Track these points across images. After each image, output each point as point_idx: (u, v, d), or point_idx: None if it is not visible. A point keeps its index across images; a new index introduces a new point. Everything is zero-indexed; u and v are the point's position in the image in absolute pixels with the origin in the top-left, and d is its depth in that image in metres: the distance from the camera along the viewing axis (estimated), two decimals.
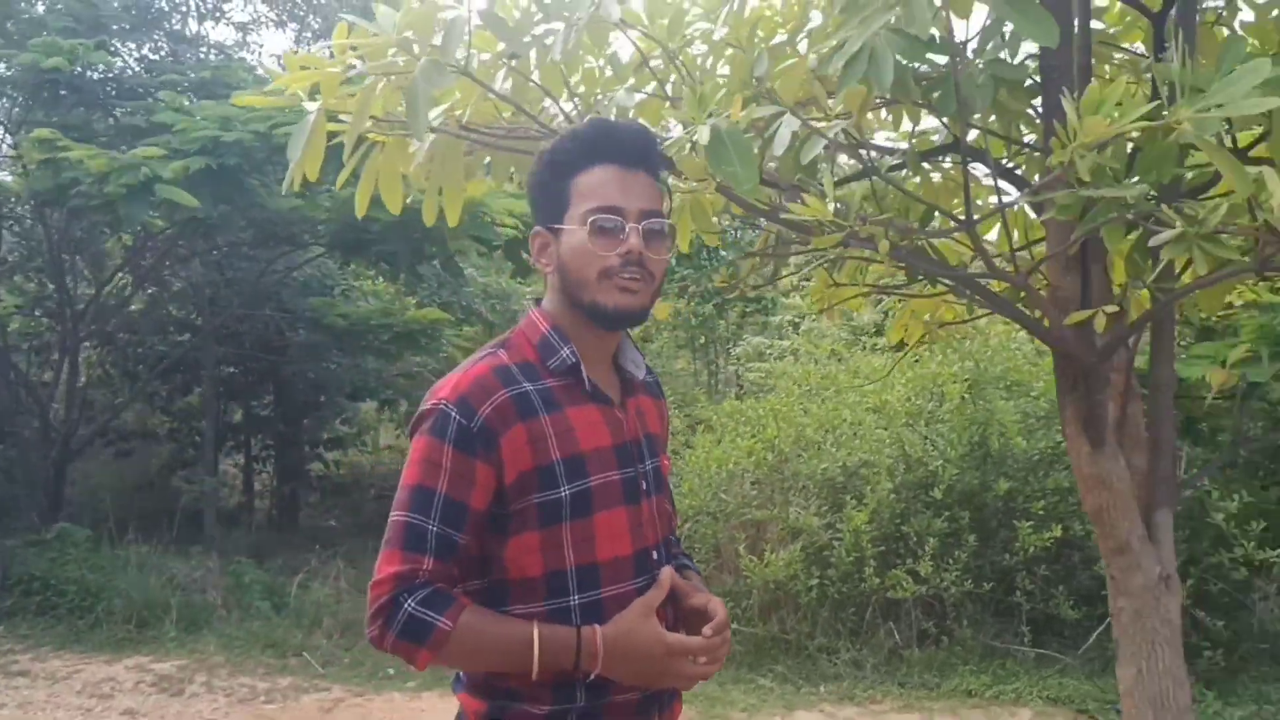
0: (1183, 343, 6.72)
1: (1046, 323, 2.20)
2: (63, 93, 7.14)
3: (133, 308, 8.90)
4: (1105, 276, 2.27)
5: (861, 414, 6.93)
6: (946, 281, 2.39)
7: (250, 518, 9.57)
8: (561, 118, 2.23)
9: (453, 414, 1.61)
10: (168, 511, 8.64)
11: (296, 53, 2.24)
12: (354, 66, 1.94)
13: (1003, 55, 2.30)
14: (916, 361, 6.99)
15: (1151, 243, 1.60)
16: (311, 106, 2.13)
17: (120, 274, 8.60)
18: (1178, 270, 2.21)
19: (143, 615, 6.88)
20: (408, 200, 2.56)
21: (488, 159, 2.57)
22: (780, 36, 2.38)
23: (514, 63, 2.07)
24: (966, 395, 6.71)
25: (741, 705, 5.72)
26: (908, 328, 3.39)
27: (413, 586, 1.59)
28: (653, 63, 2.37)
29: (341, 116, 2.08)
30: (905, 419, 6.80)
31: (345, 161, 2.12)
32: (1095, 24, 2.67)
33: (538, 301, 1.80)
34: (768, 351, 9.50)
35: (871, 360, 7.65)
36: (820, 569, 6.31)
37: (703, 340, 13.22)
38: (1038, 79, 2.22)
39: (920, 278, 2.65)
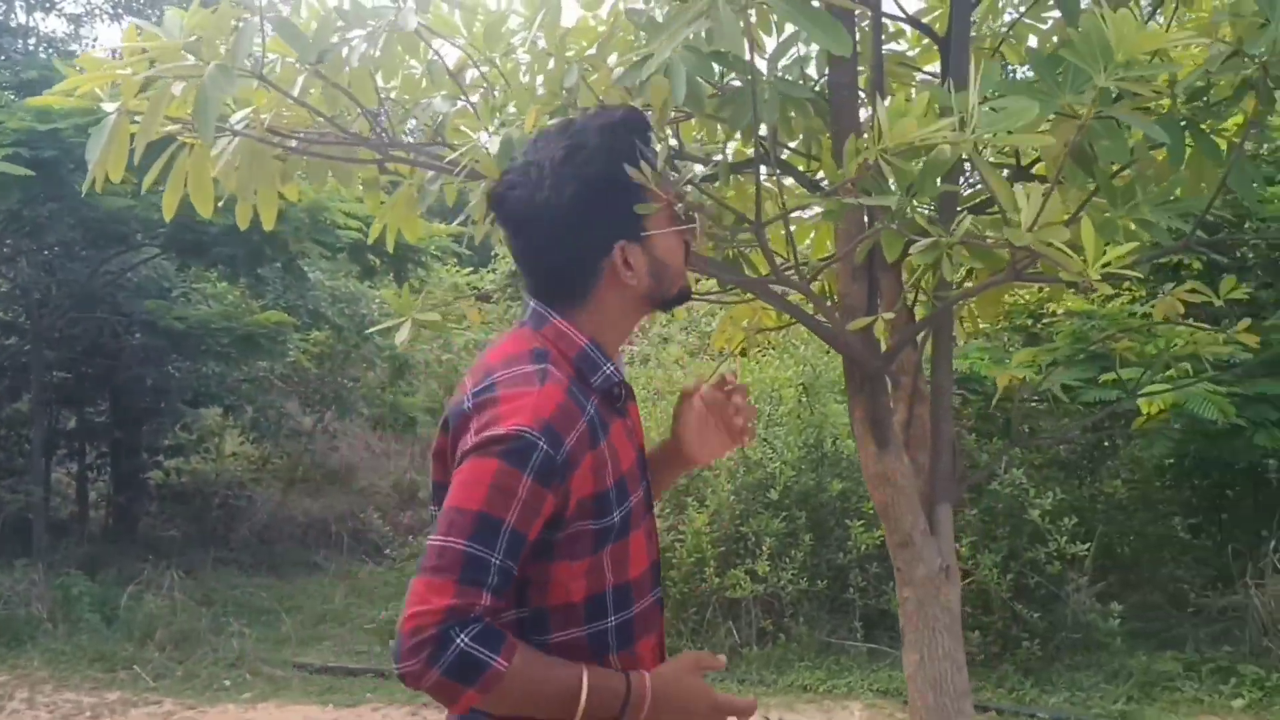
0: (1010, 348, 7.09)
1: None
2: None
3: None
4: (897, 284, 2.40)
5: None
6: (743, 288, 2.49)
7: (84, 528, 9.20)
8: (364, 124, 2.24)
9: (540, 444, 1.47)
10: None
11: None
12: (151, 67, 1.93)
13: (808, 71, 2.42)
14: (756, 366, 7.18)
15: (912, 250, 1.71)
16: (110, 107, 2.11)
17: None
18: (958, 281, 2.35)
19: None
20: (219, 203, 2.54)
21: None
22: (592, 50, 2.45)
23: (319, 68, 2.08)
24: (803, 399, 6.92)
25: None
26: (729, 334, 3.49)
27: (466, 621, 1.42)
28: (477, 71, 2.40)
29: (137, 118, 2.07)
30: None
31: (139, 164, 2.09)
32: (897, 46, 2.82)
33: (562, 310, 1.64)
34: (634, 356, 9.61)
35: (713, 367, 7.80)
36: (663, 570, 6.40)
37: None
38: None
39: (729, 286, 2.74)
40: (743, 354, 3.82)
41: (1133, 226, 1.86)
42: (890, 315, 2.15)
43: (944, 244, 1.64)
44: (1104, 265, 1.50)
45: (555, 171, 1.58)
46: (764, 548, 6.28)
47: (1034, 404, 6.51)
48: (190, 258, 7.37)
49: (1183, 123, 1.99)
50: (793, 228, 2.35)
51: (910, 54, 2.88)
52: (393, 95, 2.49)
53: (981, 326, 7.53)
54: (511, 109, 1.86)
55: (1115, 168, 1.93)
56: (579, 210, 1.58)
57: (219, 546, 9.20)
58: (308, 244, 6.86)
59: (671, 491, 6.79)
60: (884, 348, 2.32)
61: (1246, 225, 8.22)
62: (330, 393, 10.26)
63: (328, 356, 10.23)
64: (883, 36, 2.49)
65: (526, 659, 1.47)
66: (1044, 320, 6.86)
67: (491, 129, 1.84)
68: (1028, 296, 7.11)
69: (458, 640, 1.40)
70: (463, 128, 2.40)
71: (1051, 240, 1.56)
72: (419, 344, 11.29)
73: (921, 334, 2.42)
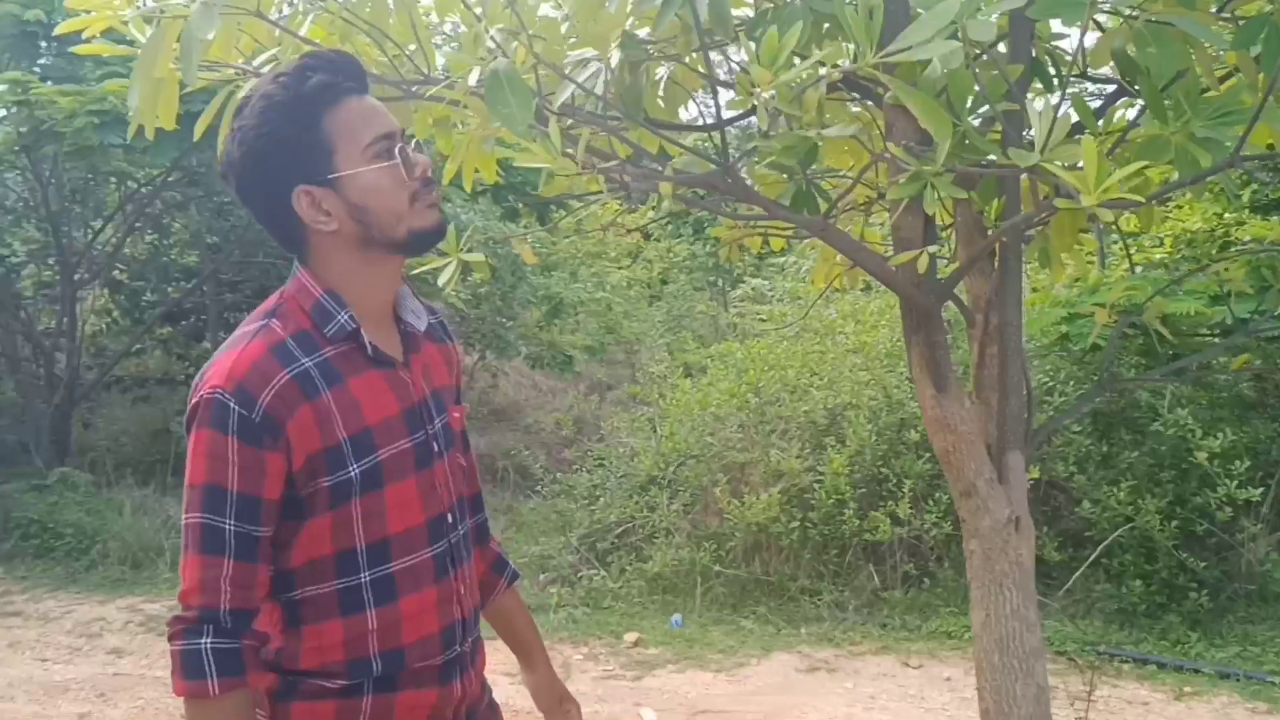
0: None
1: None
2: (42, 44, 7.20)
3: (134, 254, 9.01)
4: (969, 218, 2.21)
5: (843, 355, 6.87)
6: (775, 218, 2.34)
7: None
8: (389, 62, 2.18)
9: (231, 404, 1.49)
10: (177, 455, 8.83)
11: None
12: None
13: None
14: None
15: (889, 181, 1.54)
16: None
17: (116, 220, 8.70)
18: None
19: (137, 557, 7.03)
20: None
21: None
22: None
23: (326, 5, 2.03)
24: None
25: (720, 646, 5.76)
26: (824, 270, 3.34)
27: (219, 622, 1.50)
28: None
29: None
30: (885, 361, 6.73)
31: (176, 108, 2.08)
32: None
33: (303, 260, 1.63)
34: (768, 293, 9.43)
35: (860, 301, 7.55)
36: (802, 511, 6.30)
37: (718, 282, 13.19)
38: None
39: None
40: (839, 290, 3.66)
41: (1188, 146, 1.63)
42: (934, 249, 1.96)
43: (928, 174, 1.46)
44: (1105, 190, 1.30)
45: (234, 131, 1.59)
46: (905, 490, 6.07)
47: (1204, 337, 6.04)
48: None
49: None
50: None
51: None
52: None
53: (1156, 256, 7.02)
54: (492, 39, 1.75)
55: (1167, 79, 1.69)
56: (251, 161, 1.57)
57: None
58: (445, 188, 6.92)
59: (810, 431, 6.64)
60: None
61: None
62: (489, 332, 10.43)
63: (485, 297, 10.40)
64: None
65: (241, 708, 1.51)
66: (1231, 247, 6.31)
67: (474, 62, 1.75)
68: (1201, 223, 6.57)
69: (204, 639, 1.49)
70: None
71: (1058, 161, 1.36)
72: (574, 284, 11.39)
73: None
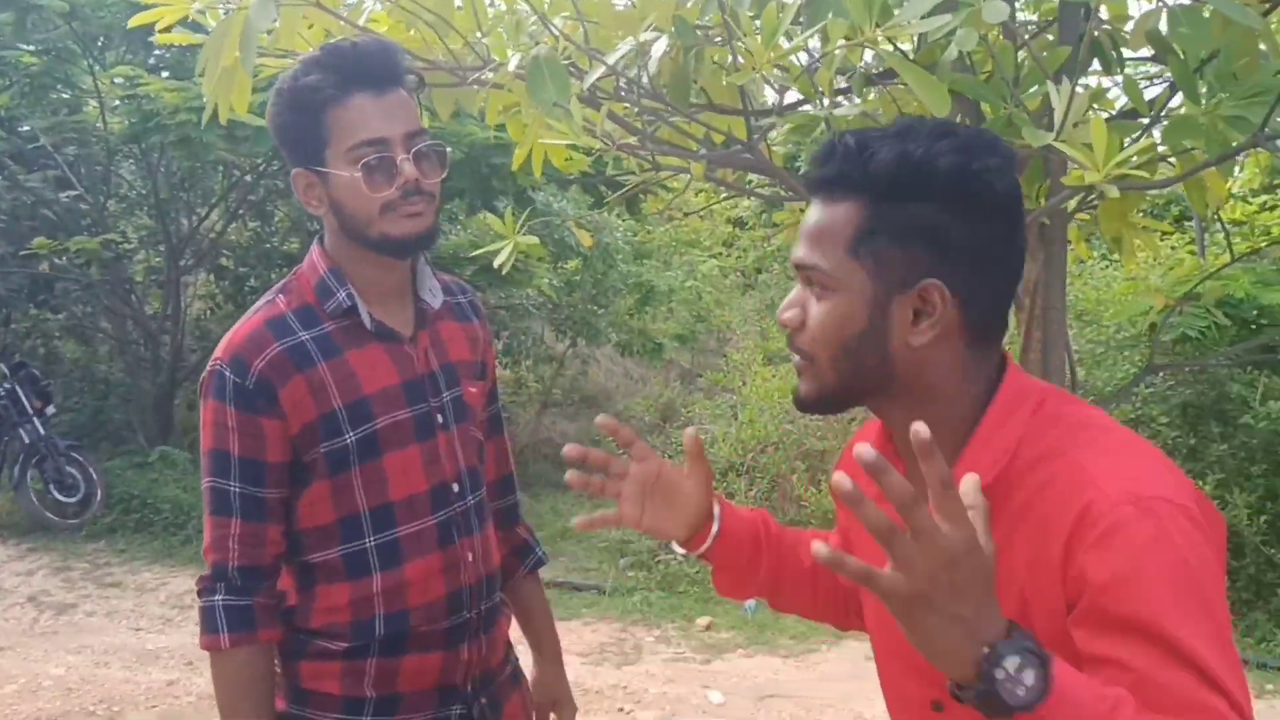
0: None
1: None
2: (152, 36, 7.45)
3: (239, 240, 9.32)
4: None
5: None
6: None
7: None
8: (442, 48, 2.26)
9: (227, 373, 1.61)
10: None
11: None
12: None
13: None
14: None
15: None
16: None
17: (220, 207, 9.01)
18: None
19: None
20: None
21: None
22: None
23: None
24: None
25: (792, 633, 5.78)
26: None
27: (230, 578, 1.64)
28: None
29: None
30: None
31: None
32: None
33: (320, 239, 1.74)
34: None
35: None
36: None
37: None
38: None
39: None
40: None
41: (1219, 126, 1.63)
42: None
43: None
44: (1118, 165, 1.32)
45: None
46: None
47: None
48: None
49: None
50: None
51: None
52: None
53: (1252, 244, 6.81)
54: (532, 25, 1.82)
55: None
56: (276, 143, 1.70)
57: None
58: (534, 177, 7.03)
59: None
60: None
61: None
62: (580, 319, 10.56)
63: (577, 284, 10.52)
64: None
65: (244, 667, 1.64)
66: None
67: (519, 46, 1.82)
68: None
69: (217, 594, 1.64)
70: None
71: (1069, 140, 1.38)
72: (666, 273, 11.45)
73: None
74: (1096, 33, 2.16)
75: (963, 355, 1.14)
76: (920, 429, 0.89)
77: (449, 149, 1.72)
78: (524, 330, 10.47)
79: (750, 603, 6.20)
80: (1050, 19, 2.22)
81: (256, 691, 1.66)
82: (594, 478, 1.38)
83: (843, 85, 2.50)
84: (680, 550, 1.43)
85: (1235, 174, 8.37)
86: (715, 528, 1.41)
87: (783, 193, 2.48)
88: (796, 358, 1.20)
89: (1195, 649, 0.97)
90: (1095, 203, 2.30)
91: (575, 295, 10.74)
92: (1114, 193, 1.35)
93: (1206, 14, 1.68)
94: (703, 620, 5.95)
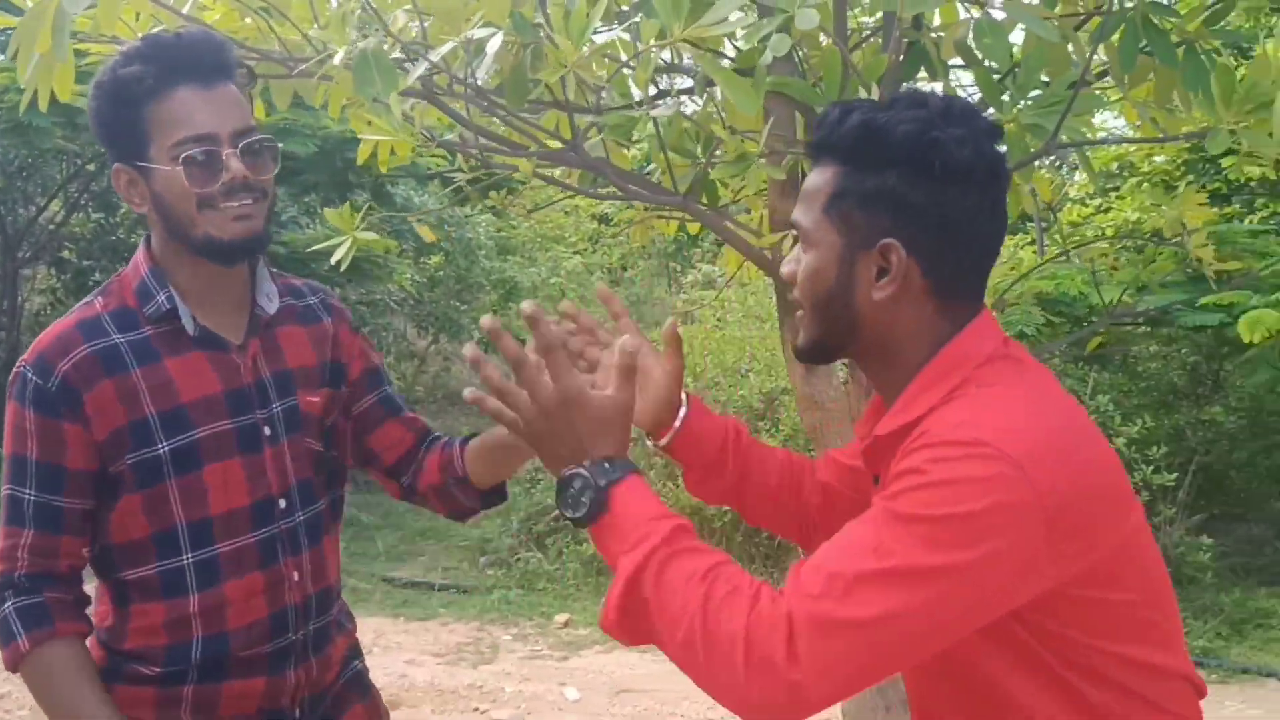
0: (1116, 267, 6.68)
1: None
2: None
3: (82, 232, 8.94)
4: None
5: (780, 341, 6.96)
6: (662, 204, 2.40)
7: None
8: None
9: (30, 375, 1.53)
10: None
11: None
12: None
13: None
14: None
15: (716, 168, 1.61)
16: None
17: (60, 198, 8.64)
18: None
19: None
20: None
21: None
22: None
23: None
24: None
25: None
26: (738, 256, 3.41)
27: (18, 584, 1.56)
28: None
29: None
30: None
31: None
32: None
33: (147, 239, 1.64)
34: (719, 279, 9.49)
35: None
36: None
37: (677, 269, 13.25)
38: None
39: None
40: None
41: (1019, 133, 1.71)
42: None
43: (751, 156, 1.53)
44: None
45: None
46: None
47: (1130, 327, 6.17)
48: (280, 183, 7.56)
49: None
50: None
51: None
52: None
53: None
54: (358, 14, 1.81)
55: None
56: (95, 131, 1.60)
57: None
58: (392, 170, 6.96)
59: (748, 415, 6.72)
60: None
61: None
62: (442, 315, 10.46)
63: (439, 280, 10.42)
64: None
65: (55, 661, 1.54)
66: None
67: (343, 39, 1.80)
68: (1136, 214, 6.68)
69: (5, 603, 1.55)
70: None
71: None
72: (529, 269, 11.42)
73: None
74: (921, 40, 2.25)
75: (928, 314, 1.22)
76: (485, 320, 1.18)
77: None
78: (385, 326, 10.31)
79: None
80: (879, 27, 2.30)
81: (76, 683, 1.55)
82: (573, 338, 1.47)
83: (688, 86, 2.55)
84: (649, 442, 1.51)
85: (1074, 178, 8.81)
86: (680, 418, 1.50)
87: (607, 190, 2.50)
88: (798, 311, 1.30)
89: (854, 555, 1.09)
90: None
91: (437, 291, 10.63)
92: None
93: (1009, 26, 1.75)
94: (561, 617, 5.96)
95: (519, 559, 6.75)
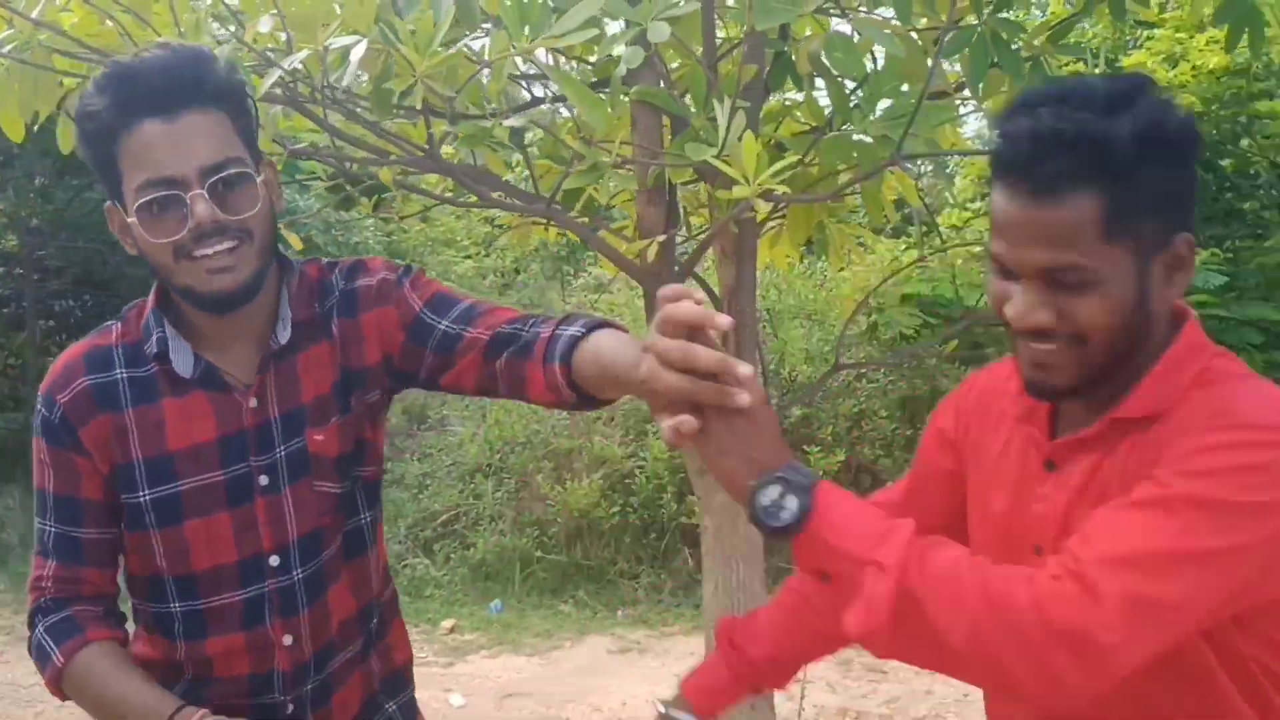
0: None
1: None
2: None
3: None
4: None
5: None
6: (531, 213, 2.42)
7: None
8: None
9: (39, 406, 1.48)
10: None
11: None
12: None
13: None
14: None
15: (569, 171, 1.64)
16: None
17: None
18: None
19: None
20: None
21: None
22: None
23: None
24: (766, 325, 6.84)
25: (536, 631, 5.84)
26: None
27: (45, 606, 1.50)
28: None
29: None
30: None
31: None
32: None
33: None
34: (607, 282, 9.53)
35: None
36: (623, 497, 6.45)
37: (570, 272, 13.26)
38: None
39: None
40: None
41: (869, 141, 1.77)
42: (663, 238, 2.07)
43: (604, 165, 1.57)
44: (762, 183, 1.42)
45: None
46: None
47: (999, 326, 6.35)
48: None
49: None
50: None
51: None
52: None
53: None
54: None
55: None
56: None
57: None
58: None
59: (634, 418, 6.77)
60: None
61: (1245, 142, 7.94)
62: None
63: None
64: None
65: (93, 664, 1.47)
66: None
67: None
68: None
69: (37, 628, 1.50)
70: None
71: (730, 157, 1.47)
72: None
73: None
74: (789, 50, 2.31)
75: (1175, 294, 1.19)
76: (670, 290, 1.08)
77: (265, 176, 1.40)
78: None
79: (496, 603, 6.23)
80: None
81: (117, 678, 1.46)
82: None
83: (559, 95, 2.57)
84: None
85: (955, 183, 9.09)
86: None
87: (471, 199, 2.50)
88: (1043, 349, 1.15)
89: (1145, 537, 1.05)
90: (784, 212, 2.46)
91: None
92: (763, 207, 1.45)
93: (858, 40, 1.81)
94: (447, 623, 5.93)
95: (406, 565, 6.69)
